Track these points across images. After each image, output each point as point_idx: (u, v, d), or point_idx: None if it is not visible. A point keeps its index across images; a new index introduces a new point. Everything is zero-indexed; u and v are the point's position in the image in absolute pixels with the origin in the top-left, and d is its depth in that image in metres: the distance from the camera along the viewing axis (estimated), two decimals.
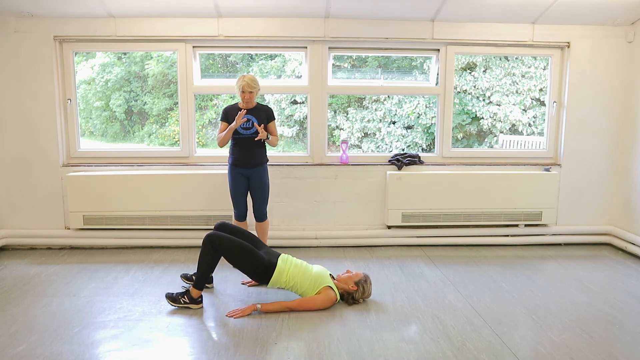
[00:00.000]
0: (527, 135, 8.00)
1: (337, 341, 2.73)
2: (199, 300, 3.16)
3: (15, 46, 4.27)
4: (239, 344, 2.70)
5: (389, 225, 4.60)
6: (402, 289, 3.52)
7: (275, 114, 3.97)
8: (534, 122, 8.06)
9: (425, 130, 8.16)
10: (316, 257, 4.21)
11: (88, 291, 3.44)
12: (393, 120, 8.28)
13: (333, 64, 4.62)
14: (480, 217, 4.57)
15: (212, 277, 3.51)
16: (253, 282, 3.54)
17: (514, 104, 8.05)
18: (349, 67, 8.18)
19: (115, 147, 7.95)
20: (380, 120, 8.23)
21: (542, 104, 7.87)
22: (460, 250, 4.49)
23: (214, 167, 4.51)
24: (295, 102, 8.15)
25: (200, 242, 3.28)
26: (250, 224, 4.07)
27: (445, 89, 4.63)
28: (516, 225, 4.64)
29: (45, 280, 3.65)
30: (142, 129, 8.56)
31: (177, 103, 4.84)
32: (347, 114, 8.31)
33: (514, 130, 8.12)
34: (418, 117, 8.10)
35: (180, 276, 3.59)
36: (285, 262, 3.22)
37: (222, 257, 3.12)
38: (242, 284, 3.60)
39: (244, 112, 3.66)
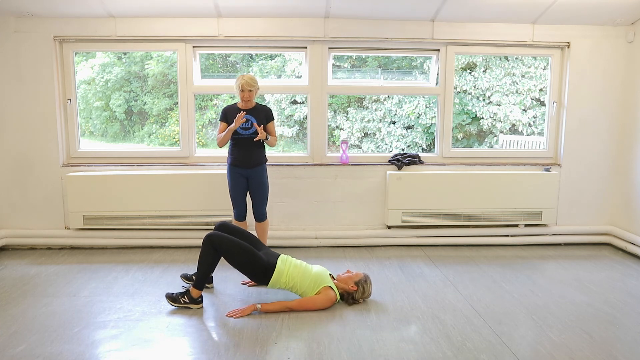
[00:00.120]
0: (527, 135, 8.00)
1: (337, 341, 2.73)
2: (199, 300, 3.16)
3: (15, 46, 4.27)
4: (239, 344, 2.70)
5: (389, 225, 4.60)
6: (402, 289, 3.52)
7: (275, 114, 3.98)
8: (534, 122, 8.06)
9: (425, 130, 8.16)
10: (316, 257, 4.21)
11: (88, 291, 3.44)
12: (393, 120, 8.28)
13: (333, 64, 4.62)
14: (480, 217, 4.57)
15: (212, 277, 3.51)
16: (253, 282, 3.54)
17: (514, 104, 8.05)
18: (349, 67, 8.18)
19: (115, 147, 7.95)
20: (380, 120, 8.23)
21: (542, 104, 7.87)
22: (460, 250, 4.49)
23: (214, 167, 4.51)
24: (295, 102, 8.15)
25: (200, 242, 3.28)
26: (250, 224, 4.07)
27: (445, 89, 4.63)
28: (516, 225, 4.64)
29: (45, 280, 3.65)
30: (142, 129, 8.56)
31: (177, 103, 4.84)
32: (347, 114, 8.31)
33: (514, 130, 8.12)
34: (418, 117, 8.10)
35: (180, 276, 3.59)
36: (285, 263, 3.22)
37: (222, 257, 3.12)
38: (242, 284, 3.61)
39: (243, 113, 3.67)
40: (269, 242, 4.24)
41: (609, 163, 4.69)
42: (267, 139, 3.78)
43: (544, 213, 4.60)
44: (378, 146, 8.19)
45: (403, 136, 8.24)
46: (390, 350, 2.64)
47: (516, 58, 8.00)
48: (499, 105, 8.05)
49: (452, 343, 2.72)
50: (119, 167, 4.51)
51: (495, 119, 8.09)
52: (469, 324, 2.95)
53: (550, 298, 3.38)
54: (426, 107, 8.03)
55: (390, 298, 3.35)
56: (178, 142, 4.68)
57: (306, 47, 4.49)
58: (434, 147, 4.94)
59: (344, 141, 4.68)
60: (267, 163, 3.92)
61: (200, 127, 8.15)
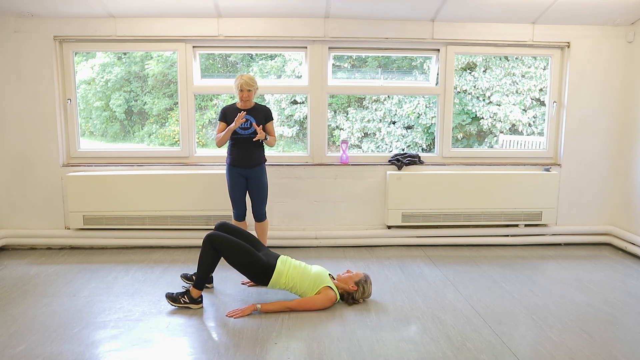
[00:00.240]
0: (527, 135, 8.00)
1: (337, 341, 2.73)
2: (199, 300, 3.16)
3: (15, 46, 4.27)
4: (239, 344, 2.70)
5: (389, 225, 4.60)
6: (402, 289, 3.52)
7: (274, 114, 3.97)
8: (534, 122, 8.06)
9: (425, 130, 8.16)
10: (316, 257, 4.21)
11: (88, 291, 3.44)
12: (393, 120, 8.28)
13: (333, 64, 4.62)
14: (480, 217, 4.57)
15: (212, 277, 3.51)
16: (253, 282, 3.54)
17: (514, 104, 8.05)
18: (349, 67, 8.18)
19: (115, 147, 7.95)
20: (380, 120, 8.23)
21: (542, 104, 7.87)
22: (460, 250, 4.49)
23: (214, 167, 4.51)
24: (295, 102, 8.15)
25: (200, 242, 3.28)
26: (250, 224, 4.07)
27: (445, 89, 4.63)
28: (516, 225, 4.64)
29: (45, 280, 3.65)
30: (142, 129, 8.56)
31: (177, 103, 4.84)
32: (347, 114, 8.31)
33: (514, 130, 8.12)
34: (418, 117, 8.10)
35: (180, 276, 3.59)
36: (284, 264, 3.22)
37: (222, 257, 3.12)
38: (242, 284, 3.61)
39: (243, 113, 3.67)
40: (269, 242, 4.24)
41: (609, 163, 4.69)
42: (266, 139, 3.78)
43: (544, 213, 4.60)
44: (378, 146, 8.19)
45: (403, 136, 8.24)
46: (390, 350, 2.64)
47: (516, 58, 8.00)
48: (499, 105, 8.05)
49: (452, 343, 2.72)
50: (119, 167, 4.51)
51: (495, 119, 8.09)
52: (469, 324, 2.95)
53: (550, 298, 3.38)
54: (426, 107, 8.03)
55: (390, 298, 3.35)
56: (178, 142, 4.68)
57: (306, 47, 4.49)
58: (434, 147, 4.94)
59: (344, 141, 4.68)
60: (266, 163, 3.92)
61: (200, 127, 8.15)
